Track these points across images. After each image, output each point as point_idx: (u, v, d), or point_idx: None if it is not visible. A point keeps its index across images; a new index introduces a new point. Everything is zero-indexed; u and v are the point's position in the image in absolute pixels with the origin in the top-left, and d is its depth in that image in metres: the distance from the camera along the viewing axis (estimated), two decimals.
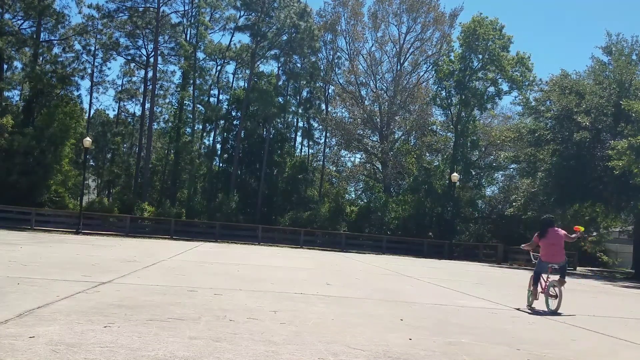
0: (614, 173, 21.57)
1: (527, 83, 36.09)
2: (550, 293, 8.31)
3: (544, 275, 8.68)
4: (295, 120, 44.63)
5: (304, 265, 15.09)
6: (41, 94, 35.21)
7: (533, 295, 8.64)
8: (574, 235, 9.02)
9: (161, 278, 8.98)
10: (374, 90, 43.32)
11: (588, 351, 5.27)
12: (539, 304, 8.45)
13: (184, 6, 39.66)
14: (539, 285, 8.63)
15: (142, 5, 37.27)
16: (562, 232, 8.86)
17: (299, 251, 25.92)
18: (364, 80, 43.70)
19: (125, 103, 45.80)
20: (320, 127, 44.30)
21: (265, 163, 38.67)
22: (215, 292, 7.50)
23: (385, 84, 43.45)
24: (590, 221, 32.20)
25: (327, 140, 44.98)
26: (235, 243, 28.63)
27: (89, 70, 38.95)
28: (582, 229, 9.15)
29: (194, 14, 39.63)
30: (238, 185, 39.51)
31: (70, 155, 34.86)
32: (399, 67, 42.84)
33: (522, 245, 10.07)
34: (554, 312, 7.98)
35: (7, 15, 34.11)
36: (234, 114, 42.45)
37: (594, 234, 36.29)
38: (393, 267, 17.21)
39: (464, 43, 36.69)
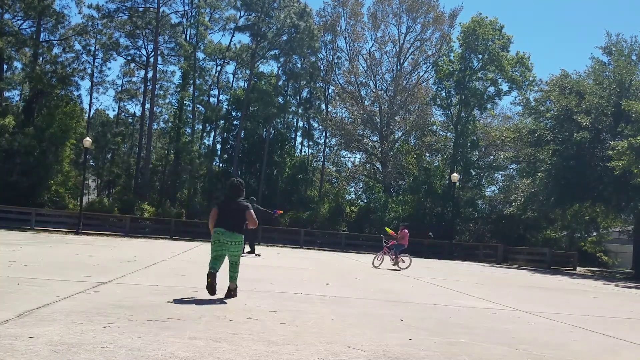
0: (614, 173, 21.58)
1: (527, 83, 36.14)
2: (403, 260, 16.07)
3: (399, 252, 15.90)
4: (295, 120, 44.71)
5: (304, 266, 15.09)
6: (41, 94, 35.25)
7: (396, 262, 15.79)
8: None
9: (161, 278, 8.98)
10: (374, 91, 43.37)
11: (588, 351, 5.27)
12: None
13: (184, 6, 39.77)
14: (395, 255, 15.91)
15: (142, 6, 37.33)
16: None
17: (299, 251, 25.91)
18: (363, 81, 43.76)
19: (125, 103, 45.92)
20: (320, 127, 44.37)
21: (265, 163, 38.68)
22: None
23: (385, 84, 43.54)
24: (590, 221, 32.23)
25: (327, 140, 45.08)
26: None
27: (89, 71, 39.06)
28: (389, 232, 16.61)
29: (193, 14, 39.72)
30: None
31: (71, 155, 34.87)
32: (398, 67, 42.89)
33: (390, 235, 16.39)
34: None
35: (7, 15, 34.14)
36: (234, 114, 42.49)
37: (594, 234, 36.30)
38: (393, 267, 17.19)
39: (464, 43, 36.72)
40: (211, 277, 6.54)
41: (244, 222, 6.91)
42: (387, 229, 17.39)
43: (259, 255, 16.97)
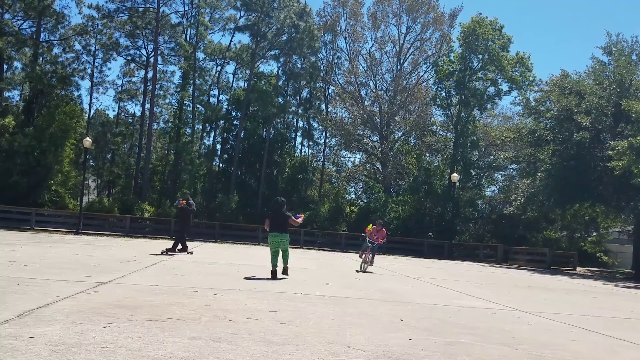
0: (614, 173, 21.58)
1: (527, 83, 36.14)
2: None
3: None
4: (295, 120, 44.66)
5: (304, 266, 15.08)
6: (41, 94, 35.21)
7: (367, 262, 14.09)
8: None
9: (161, 278, 8.98)
10: (374, 91, 43.35)
11: (588, 351, 5.27)
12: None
13: (184, 6, 39.71)
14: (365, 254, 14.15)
15: (142, 6, 37.27)
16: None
17: (299, 251, 25.89)
18: (363, 81, 43.74)
19: (125, 103, 45.81)
20: (320, 127, 44.33)
21: (265, 163, 38.67)
22: (215, 292, 7.51)
23: (385, 84, 43.51)
24: (590, 221, 32.24)
25: (327, 140, 45.02)
26: (235, 243, 28.62)
27: (89, 71, 38.93)
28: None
29: (193, 14, 39.66)
30: (238, 185, 39.52)
31: (71, 155, 34.86)
32: (398, 67, 42.87)
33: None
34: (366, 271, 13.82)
35: (7, 15, 34.11)
36: (234, 114, 42.46)
37: (594, 234, 36.30)
38: (393, 267, 17.21)
39: (464, 43, 36.71)
40: (273, 273, 10.03)
41: (287, 224, 10.30)
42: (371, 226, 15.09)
43: (192, 253, 15.55)
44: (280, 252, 10.21)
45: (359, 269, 14.06)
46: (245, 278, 9.93)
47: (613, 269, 34.22)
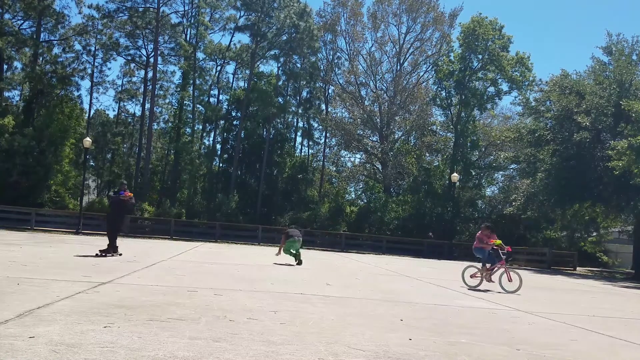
0: (614, 173, 21.57)
1: (527, 83, 36.16)
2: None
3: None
4: (295, 120, 44.68)
5: (304, 266, 15.09)
6: (41, 94, 35.21)
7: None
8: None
9: (161, 278, 8.98)
10: (374, 91, 43.35)
11: (588, 351, 5.27)
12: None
13: (184, 6, 39.75)
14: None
15: (142, 6, 37.30)
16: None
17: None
18: (363, 81, 43.74)
19: (125, 103, 45.90)
20: (320, 127, 44.34)
21: (265, 163, 38.67)
22: (215, 292, 7.50)
23: (385, 84, 43.52)
24: (590, 221, 32.21)
25: (327, 140, 45.04)
26: (235, 243, 28.62)
27: (89, 71, 38.97)
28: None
29: (194, 14, 39.70)
30: (238, 185, 39.51)
31: (71, 155, 34.85)
32: (398, 67, 42.88)
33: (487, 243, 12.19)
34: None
35: (7, 15, 34.13)
36: (234, 114, 42.48)
37: (594, 234, 36.29)
38: (393, 267, 17.21)
39: (464, 43, 36.72)
40: (296, 258, 15.12)
41: (300, 236, 15.61)
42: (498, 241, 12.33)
43: (121, 255, 13.38)
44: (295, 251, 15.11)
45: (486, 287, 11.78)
46: (245, 278, 9.94)
47: (613, 269, 34.20)
